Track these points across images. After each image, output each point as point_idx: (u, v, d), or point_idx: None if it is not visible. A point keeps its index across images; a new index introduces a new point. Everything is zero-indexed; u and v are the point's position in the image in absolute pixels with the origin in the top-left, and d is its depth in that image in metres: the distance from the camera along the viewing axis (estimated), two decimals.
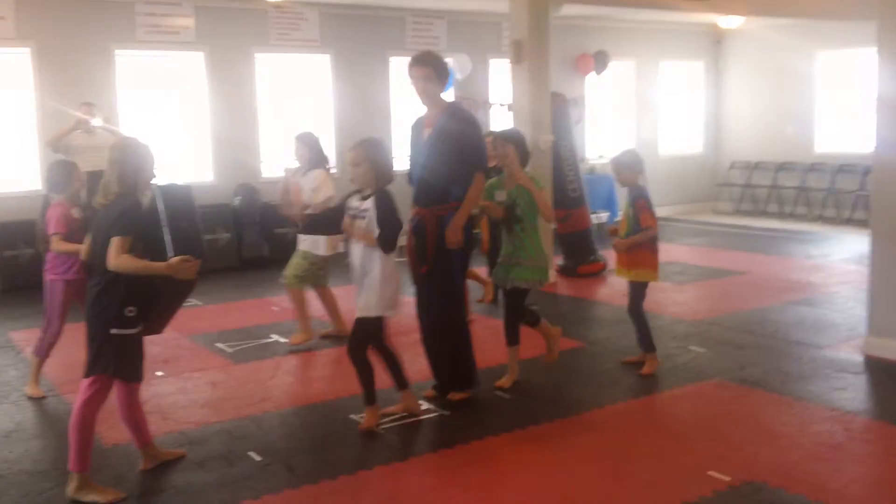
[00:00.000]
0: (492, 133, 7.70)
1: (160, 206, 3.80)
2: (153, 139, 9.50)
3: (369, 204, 4.54)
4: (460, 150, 4.93)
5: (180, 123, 10.28)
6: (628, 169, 5.62)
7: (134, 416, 4.21)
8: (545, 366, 5.64)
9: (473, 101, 11.71)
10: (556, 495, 3.89)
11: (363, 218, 4.56)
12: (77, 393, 3.97)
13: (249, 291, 8.74)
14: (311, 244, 6.39)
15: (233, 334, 6.89)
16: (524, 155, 5.29)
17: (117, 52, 9.70)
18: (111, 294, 3.83)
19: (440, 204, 4.95)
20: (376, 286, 4.55)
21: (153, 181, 3.99)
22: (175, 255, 3.77)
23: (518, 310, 5.36)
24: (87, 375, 3.91)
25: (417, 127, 5.18)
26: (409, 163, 5.21)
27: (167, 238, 3.78)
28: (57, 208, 5.13)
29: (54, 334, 5.34)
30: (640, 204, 5.49)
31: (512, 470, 4.21)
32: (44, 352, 5.43)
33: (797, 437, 4.52)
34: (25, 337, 6.81)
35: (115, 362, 3.89)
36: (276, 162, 10.36)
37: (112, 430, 4.56)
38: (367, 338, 4.71)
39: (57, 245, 5.08)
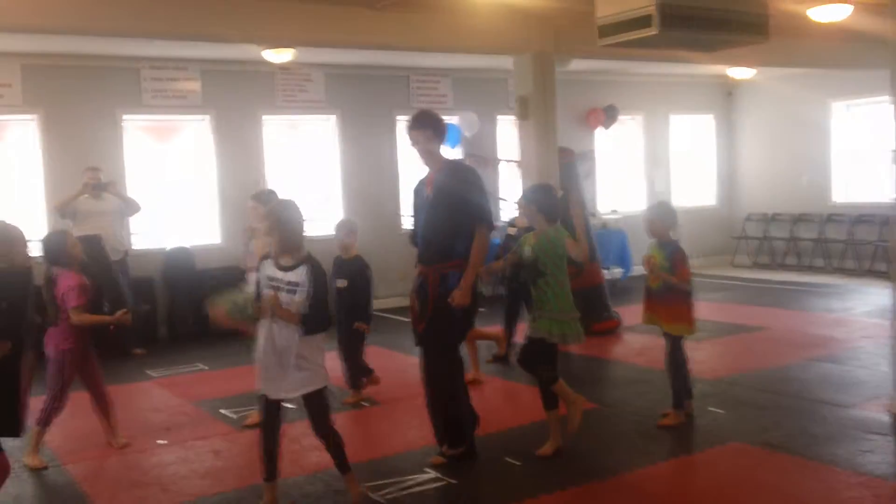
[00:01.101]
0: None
1: None
2: (160, 202, 9.70)
3: (299, 276, 4.09)
4: (460, 204, 4.86)
5: (188, 186, 10.28)
6: (661, 221, 5.61)
7: None
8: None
9: (481, 159, 11.67)
10: None
11: (291, 292, 4.08)
12: (85, 464, 3.81)
13: (338, 340, 8.57)
14: None
15: (238, 400, 6.73)
16: (550, 210, 5.19)
17: (124, 116, 9.76)
18: None
19: (443, 262, 4.86)
20: (313, 361, 4.23)
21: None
22: None
23: (534, 363, 5.15)
24: None
25: (420, 188, 5.14)
26: (412, 224, 5.17)
27: None
28: (72, 279, 5.15)
29: (61, 405, 5.30)
30: (678, 257, 5.50)
31: None
32: (46, 422, 5.34)
33: None
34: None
35: None
36: None
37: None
38: (327, 411, 4.41)
39: (79, 318, 5.14)
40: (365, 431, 5.98)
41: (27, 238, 4.05)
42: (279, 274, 4.12)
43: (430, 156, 4.98)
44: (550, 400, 5.15)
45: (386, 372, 7.01)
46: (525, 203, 5.35)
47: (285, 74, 10.57)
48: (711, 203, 14.66)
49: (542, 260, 5.07)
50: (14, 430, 3.62)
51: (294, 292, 4.05)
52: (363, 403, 6.48)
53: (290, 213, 4.17)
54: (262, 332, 4.17)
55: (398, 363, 7.21)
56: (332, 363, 6.60)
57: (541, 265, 5.08)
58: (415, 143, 4.96)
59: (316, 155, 11.10)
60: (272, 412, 4.28)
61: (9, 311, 3.57)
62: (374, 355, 6.84)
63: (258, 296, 4.20)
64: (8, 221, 4.24)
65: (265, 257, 4.26)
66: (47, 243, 5.38)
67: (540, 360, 5.14)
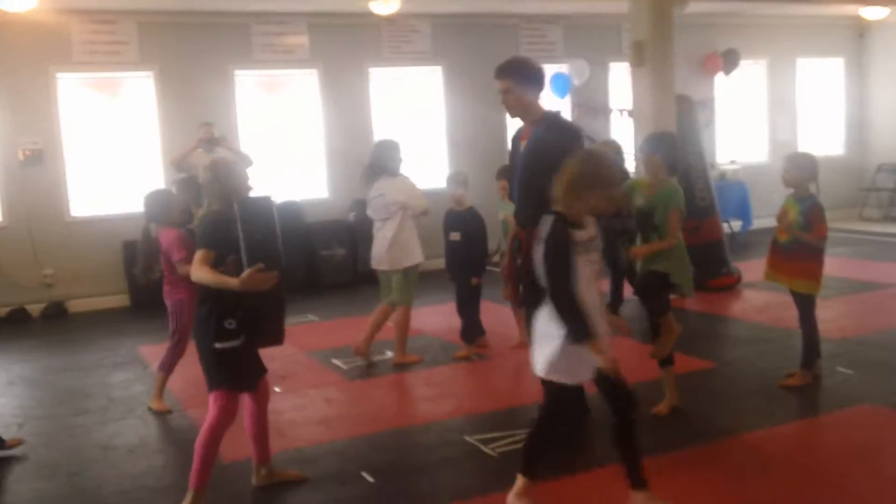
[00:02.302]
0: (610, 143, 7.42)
1: (238, 218, 3.72)
2: (269, 156, 9.85)
3: None
4: (553, 165, 4.57)
5: (296, 140, 10.39)
6: (798, 172, 5.27)
7: (259, 430, 4.19)
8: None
9: (592, 108, 11.36)
10: None
11: None
12: (205, 409, 3.96)
13: (365, 307, 8.64)
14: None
15: (348, 351, 6.80)
16: (673, 163, 5.01)
17: (236, 71, 9.91)
18: (210, 310, 3.83)
19: (536, 225, 4.62)
20: None
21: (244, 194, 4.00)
22: (250, 265, 3.66)
23: (650, 288, 4.96)
24: (209, 391, 3.92)
25: (515, 139, 4.77)
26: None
27: (242, 249, 3.69)
28: (170, 234, 5.27)
29: (181, 352, 5.44)
30: (815, 214, 5.16)
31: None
32: (170, 368, 5.52)
33: None
34: (153, 352, 6.92)
35: (229, 375, 3.88)
36: None
37: (231, 446, 4.46)
38: None
39: (184, 269, 5.20)
40: (477, 385, 5.96)
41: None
42: None
43: (517, 107, 4.53)
44: (665, 359, 4.99)
45: (498, 326, 6.97)
46: (648, 151, 5.04)
47: (391, 26, 10.50)
48: (839, 152, 13.88)
49: (659, 214, 4.87)
50: (280, 340, 4.09)
51: None
52: (473, 357, 6.44)
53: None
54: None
55: (510, 317, 7.13)
56: (450, 317, 6.65)
57: (656, 219, 4.88)
58: (500, 93, 4.56)
59: (421, 107, 11.02)
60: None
61: (265, 242, 3.71)
62: (486, 310, 6.79)
63: None
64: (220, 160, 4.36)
65: None
66: (152, 198, 5.52)
67: (656, 289, 4.96)
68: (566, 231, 3.44)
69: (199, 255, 3.79)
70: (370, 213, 6.37)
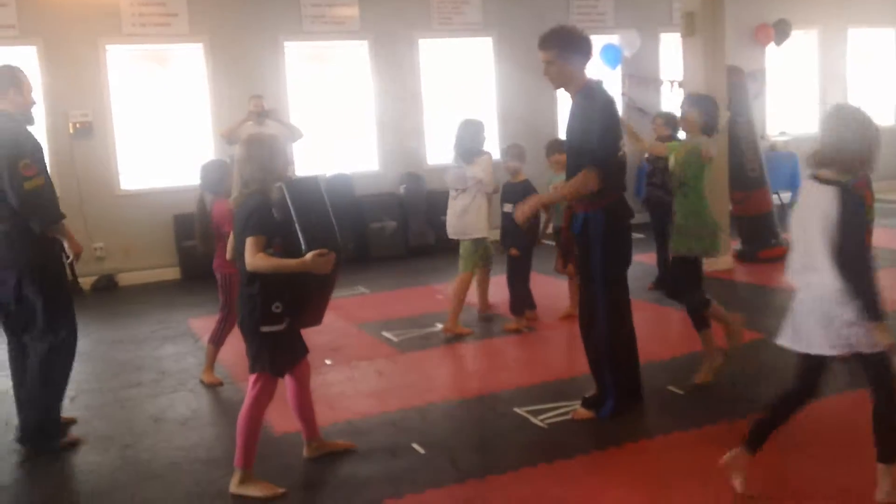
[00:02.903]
0: (661, 114, 7.36)
1: (288, 201, 3.73)
2: (319, 129, 9.88)
3: None
4: (580, 142, 4.42)
5: (346, 113, 10.42)
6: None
7: (303, 407, 4.22)
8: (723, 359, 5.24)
9: (642, 79, 11.23)
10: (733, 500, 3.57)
11: None
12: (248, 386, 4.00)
13: (415, 279, 8.75)
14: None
15: (398, 323, 6.89)
16: (709, 122, 5.02)
17: (286, 43, 9.94)
18: (257, 293, 3.81)
19: (573, 199, 4.57)
20: None
21: (285, 175, 3.90)
22: (308, 250, 3.69)
23: (680, 282, 5.06)
24: (250, 373, 3.94)
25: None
26: None
27: (299, 233, 3.70)
28: (223, 205, 5.20)
29: (231, 325, 5.44)
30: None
31: (684, 471, 3.91)
32: (220, 340, 5.58)
33: None
34: (204, 325, 7.04)
35: (271, 359, 3.89)
36: (441, 149, 10.37)
37: (283, 418, 4.57)
38: None
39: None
40: (526, 357, 5.99)
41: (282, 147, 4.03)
42: None
43: (560, 78, 4.44)
44: (700, 321, 5.03)
45: (547, 298, 6.98)
46: (685, 109, 5.13)
47: None
48: (890, 123, 13.57)
49: (687, 172, 4.99)
50: (319, 321, 4.11)
51: None
52: (523, 330, 6.47)
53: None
54: None
55: (559, 289, 7.14)
56: (503, 289, 6.69)
57: (684, 176, 5.00)
58: (544, 64, 4.45)
59: (471, 78, 10.98)
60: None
61: (321, 224, 3.75)
62: (536, 282, 6.81)
63: None
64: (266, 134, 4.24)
65: None
66: (210, 167, 5.53)
67: (686, 282, 5.01)
68: (860, 202, 3.35)
69: (251, 242, 3.71)
70: (447, 180, 6.55)
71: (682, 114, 5.18)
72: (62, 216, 4.55)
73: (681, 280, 5.08)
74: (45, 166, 4.49)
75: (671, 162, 5.16)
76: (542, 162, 6.95)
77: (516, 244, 6.43)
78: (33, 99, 4.63)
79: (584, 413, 4.59)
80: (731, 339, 5.13)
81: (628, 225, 4.56)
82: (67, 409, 5.13)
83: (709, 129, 5.04)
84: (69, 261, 4.67)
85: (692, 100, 5.26)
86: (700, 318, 5.03)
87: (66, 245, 4.60)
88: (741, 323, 5.15)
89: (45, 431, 4.61)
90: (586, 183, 4.32)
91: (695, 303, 5.02)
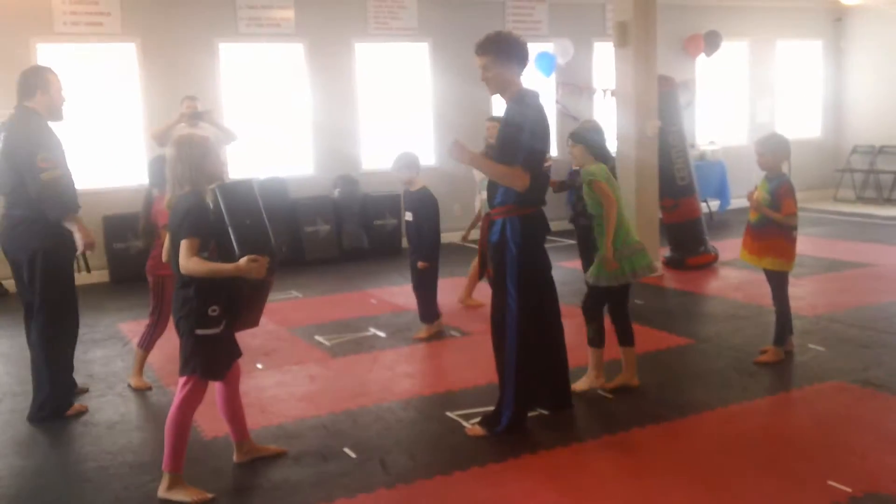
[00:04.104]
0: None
1: (221, 205, 3.71)
2: (253, 131, 9.80)
3: None
4: (501, 146, 4.43)
5: (281, 115, 10.36)
6: (771, 154, 5.37)
7: (232, 410, 4.19)
8: (651, 364, 5.38)
9: (576, 87, 11.41)
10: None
11: None
12: (176, 389, 3.97)
13: (349, 284, 8.73)
14: None
15: (331, 327, 6.88)
16: (597, 152, 5.07)
17: (220, 45, 9.85)
18: (193, 295, 3.78)
19: (490, 206, 4.53)
20: None
21: (219, 177, 3.87)
22: (242, 254, 3.68)
23: (598, 311, 5.08)
24: (180, 374, 3.91)
25: None
26: None
27: (232, 237, 3.69)
28: (162, 200, 5.11)
29: (162, 329, 5.43)
30: (783, 191, 5.26)
31: (613, 473, 4.00)
32: (149, 345, 5.52)
33: None
34: (133, 329, 6.95)
35: (203, 363, 3.85)
36: (375, 153, 10.39)
37: (212, 422, 4.55)
38: None
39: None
40: (457, 361, 6.02)
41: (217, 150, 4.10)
42: None
43: (495, 83, 4.43)
44: (625, 337, 5.09)
45: (486, 302, 7.03)
46: (572, 142, 5.13)
47: (378, 1, 10.47)
48: (815, 135, 14.04)
49: (589, 202, 4.96)
50: (255, 323, 4.15)
51: None
52: (432, 339, 6.40)
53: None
54: None
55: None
56: (441, 294, 6.71)
57: (589, 207, 4.97)
58: (480, 69, 4.43)
59: (407, 82, 11.03)
60: None
61: (254, 228, 3.72)
62: (460, 285, 6.85)
63: None
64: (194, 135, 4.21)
65: None
66: (156, 163, 5.40)
67: (603, 304, 5.06)
68: None
69: (185, 245, 3.67)
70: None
71: (571, 146, 5.16)
72: (76, 208, 4.92)
73: (599, 307, 5.06)
74: (65, 161, 4.91)
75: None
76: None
77: (422, 255, 6.36)
78: (62, 97, 5.04)
79: (477, 430, 4.51)
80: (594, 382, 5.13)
81: (543, 240, 4.52)
82: None
83: (601, 157, 5.06)
84: (80, 251, 4.98)
85: (575, 137, 5.17)
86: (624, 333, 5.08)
87: (77, 236, 4.91)
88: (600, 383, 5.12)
89: (44, 408, 5.00)
90: (516, 177, 4.27)
91: (591, 335, 5.06)
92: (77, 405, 5.17)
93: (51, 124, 4.98)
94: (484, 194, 6.48)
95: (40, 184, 4.75)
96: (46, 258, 4.87)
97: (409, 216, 6.44)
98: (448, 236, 6.95)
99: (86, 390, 5.50)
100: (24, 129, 4.87)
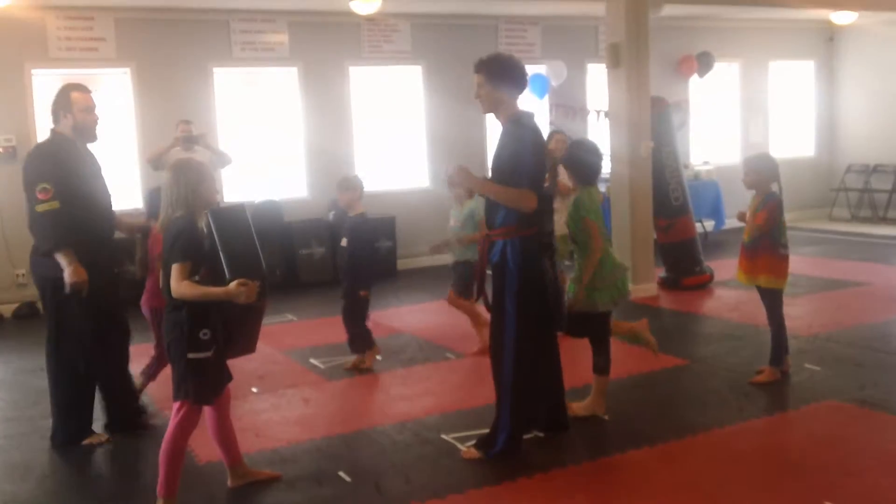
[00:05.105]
0: (557, 134, 7.47)
1: (213, 229, 3.72)
2: (248, 155, 9.80)
3: None
4: (502, 169, 4.42)
5: (275, 139, 10.38)
6: (758, 173, 5.39)
7: (223, 434, 4.17)
8: (646, 385, 5.36)
9: (569, 108, 11.45)
10: None
11: None
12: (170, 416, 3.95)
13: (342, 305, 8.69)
14: None
15: (326, 350, 6.85)
16: (583, 172, 4.95)
17: (215, 69, 9.89)
18: (185, 319, 3.78)
19: (490, 228, 4.52)
20: None
21: (213, 201, 3.90)
22: (232, 278, 3.69)
23: (583, 333, 5.00)
24: (174, 399, 3.90)
25: None
26: None
27: (223, 261, 3.69)
28: (157, 233, 5.15)
29: (165, 362, 5.34)
30: (769, 206, 5.27)
31: (609, 497, 3.97)
32: (153, 375, 5.55)
33: None
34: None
35: (195, 387, 3.84)
36: (370, 175, 10.41)
37: (207, 447, 4.50)
38: None
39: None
40: (452, 383, 5.99)
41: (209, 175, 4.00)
42: None
43: (488, 102, 4.44)
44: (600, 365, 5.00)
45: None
46: (562, 162, 5.10)
47: (371, 25, 10.52)
48: (809, 154, 14.09)
49: (572, 229, 4.88)
50: (252, 349, 4.20)
51: None
52: (364, 370, 6.26)
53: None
54: None
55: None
56: (429, 316, 6.65)
57: (571, 234, 4.89)
58: (475, 86, 4.42)
59: (401, 105, 11.06)
60: None
61: (245, 253, 3.72)
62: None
63: None
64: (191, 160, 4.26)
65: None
66: (156, 195, 5.46)
67: (591, 331, 4.96)
68: None
69: (176, 269, 3.70)
70: None
71: (562, 166, 5.14)
72: (62, 246, 4.64)
73: (584, 331, 4.96)
74: (78, 189, 4.73)
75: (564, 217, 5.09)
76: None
77: (361, 284, 6.17)
78: (90, 117, 4.91)
79: (473, 453, 4.50)
80: (647, 342, 5.12)
81: (542, 262, 4.47)
82: None
83: (584, 180, 4.95)
84: (66, 290, 4.69)
85: (565, 162, 5.14)
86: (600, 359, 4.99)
87: (65, 272, 4.65)
88: (644, 326, 5.15)
89: (55, 435, 4.95)
90: (524, 198, 4.28)
91: (595, 339, 4.98)
92: (98, 435, 5.02)
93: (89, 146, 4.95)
94: (452, 220, 6.50)
95: (34, 214, 4.69)
96: (56, 288, 4.75)
97: (343, 242, 6.21)
98: (445, 258, 6.91)
99: (144, 412, 5.35)
100: (33, 157, 4.80)
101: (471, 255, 6.14)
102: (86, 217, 4.77)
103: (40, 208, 4.64)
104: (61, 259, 4.67)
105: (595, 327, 4.95)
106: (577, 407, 4.99)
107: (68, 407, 4.97)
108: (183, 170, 3.88)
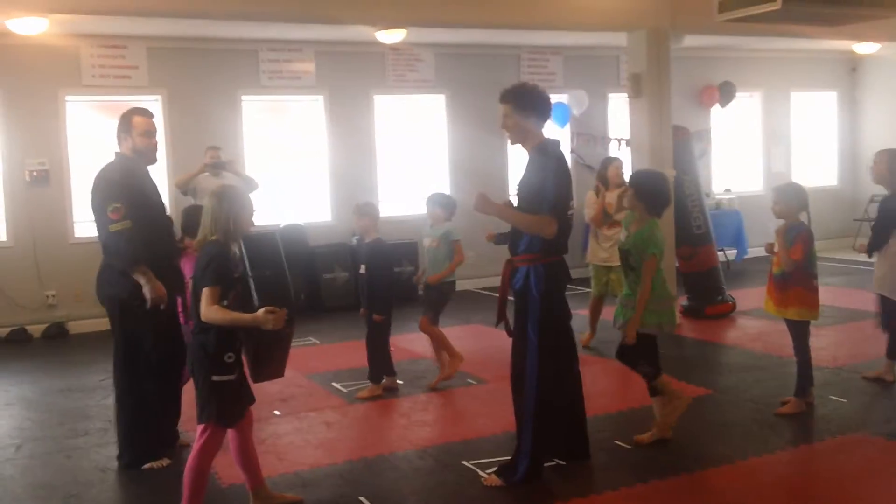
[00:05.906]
0: (615, 161, 7.58)
1: (244, 255, 3.80)
2: (274, 180, 9.92)
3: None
4: (526, 196, 4.47)
5: (300, 165, 10.52)
6: (786, 203, 5.39)
7: (246, 457, 4.20)
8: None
9: (591, 137, 11.51)
10: None
11: None
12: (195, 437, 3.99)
13: (366, 330, 8.72)
14: None
15: (349, 374, 6.88)
16: (652, 202, 4.90)
17: (243, 97, 10.05)
18: (211, 342, 3.84)
19: (513, 254, 4.55)
20: None
21: (248, 230, 3.97)
22: (261, 305, 3.75)
23: (634, 358, 4.97)
24: (198, 422, 3.94)
25: None
26: None
27: (253, 288, 3.76)
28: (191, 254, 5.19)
29: None
30: (800, 238, 5.27)
31: None
32: None
33: None
34: None
35: (218, 409, 3.90)
36: (393, 201, 10.51)
37: (230, 469, 4.53)
38: None
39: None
40: (475, 410, 6.00)
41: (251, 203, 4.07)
42: None
43: (515, 131, 4.50)
44: (655, 389, 5.01)
45: (498, 351, 7.01)
46: (629, 185, 5.07)
47: (396, 54, 10.66)
48: (832, 184, 14.05)
49: (634, 255, 4.87)
50: (280, 373, 4.25)
51: None
52: (375, 398, 6.23)
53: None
54: None
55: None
56: (458, 342, 6.67)
57: (632, 260, 4.88)
58: (502, 116, 4.49)
59: (424, 133, 11.17)
60: None
61: (275, 280, 3.84)
62: (476, 333, 6.83)
63: None
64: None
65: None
66: (190, 213, 5.52)
67: (640, 355, 4.92)
68: None
69: (207, 293, 3.77)
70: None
71: (628, 188, 5.07)
72: (139, 263, 4.70)
73: (634, 355, 4.93)
74: (146, 210, 4.83)
75: (622, 236, 5.07)
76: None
77: (377, 309, 6.23)
78: (149, 141, 4.99)
79: (494, 480, 4.48)
80: (670, 413, 5.03)
81: (565, 288, 4.54)
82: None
83: (652, 209, 4.91)
84: (148, 306, 4.74)
85: (638, 174, 5.11)
86: (654, 387, 4.99)
87: (145, 289, 4.71)
88: (685, 402, 5.08)
89: (121, 456, 4.95)
90: (544, 224, 4.31)
91: (646, 374, 4.96)
92: (160, 460, 4.95)
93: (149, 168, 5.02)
94: (427, 240, 6.52)
95: (107, 235, 4.72)
96: (123, 306, 4.81)
97: (362, 269, 6.28)
98: (462, 283, 6.94)
99: (186, 445, 5.13)
100: (102, 178, 4.85)
101: (449, 278, 6.36)
102: (153, 238, 4.83)
103: (113, 228, 4.68)
104: (139, 277, 4.70)
105: (644, 349, 4.89)
106: (643, 438, 4.98)
107: (134, 429, 4.93)
108: (228, 197, 3.98)
